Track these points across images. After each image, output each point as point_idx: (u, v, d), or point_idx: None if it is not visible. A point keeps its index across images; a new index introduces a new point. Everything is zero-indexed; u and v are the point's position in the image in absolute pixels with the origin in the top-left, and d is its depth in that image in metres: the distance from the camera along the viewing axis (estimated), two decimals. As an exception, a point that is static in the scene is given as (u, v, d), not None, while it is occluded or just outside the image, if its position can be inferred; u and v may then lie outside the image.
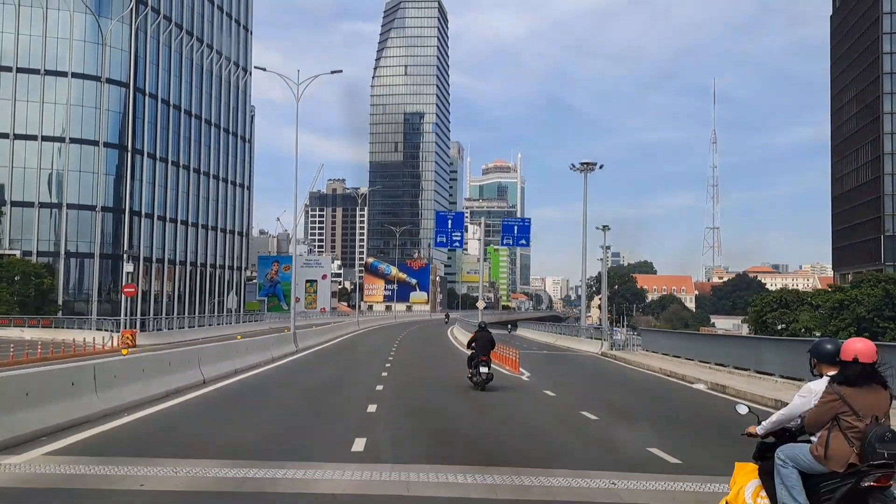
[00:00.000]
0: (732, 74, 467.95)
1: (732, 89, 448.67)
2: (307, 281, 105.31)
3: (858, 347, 4.56)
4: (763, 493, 4.80)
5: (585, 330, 44.94)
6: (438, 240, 49.68)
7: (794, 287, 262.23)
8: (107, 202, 64.21)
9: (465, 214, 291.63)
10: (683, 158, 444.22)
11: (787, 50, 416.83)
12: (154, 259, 69.21)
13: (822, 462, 4.48)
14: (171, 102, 71.81)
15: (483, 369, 16.25)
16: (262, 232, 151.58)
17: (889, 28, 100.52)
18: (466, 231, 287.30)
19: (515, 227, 51.28)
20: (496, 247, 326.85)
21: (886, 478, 4.28)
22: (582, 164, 48.37)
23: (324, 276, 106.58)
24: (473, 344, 17.01)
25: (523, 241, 51.55)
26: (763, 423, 4.97)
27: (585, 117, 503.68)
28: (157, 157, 69.51)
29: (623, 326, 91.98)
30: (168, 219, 71.24)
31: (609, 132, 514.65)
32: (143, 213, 67.28)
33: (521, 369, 22.37)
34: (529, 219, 51.37)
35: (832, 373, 4.66)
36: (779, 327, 55.74)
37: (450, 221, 49.63)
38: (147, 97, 67.78)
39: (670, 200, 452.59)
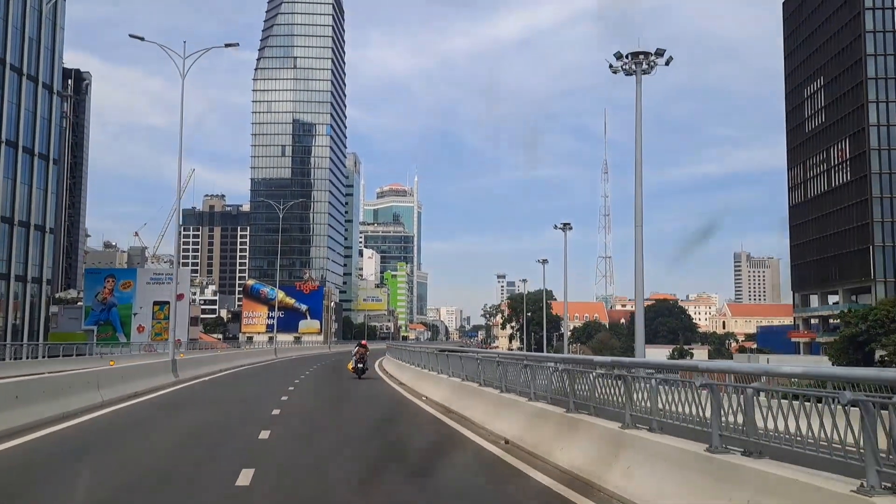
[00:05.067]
0: (609, 117, 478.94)
1: (608, 130, 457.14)
2: (156, 303, 77.25)
3: (364, 342, 30.89)
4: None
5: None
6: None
7: (701, 315, 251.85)
8: None
9: (360, 240, 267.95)
10: (567, 196, 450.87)
11: (657, 95, 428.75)
12: None
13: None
14: None
15: None
16: (108, 245, 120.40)
17: (871, 2, 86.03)
18: (362, 255, 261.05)
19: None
20: (393, 273, 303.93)
21: (363, 347, 29.96)
22: (632, 55, 25.84)
23: (180, 297, 78.57)
24: None
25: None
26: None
27: (475, 153, 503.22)
28: None
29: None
30: None
31: (498, 169, 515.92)
32: None
33: None
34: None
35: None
36: (880, 355, 33.97)
37: None
38: None
39: (555, 235, 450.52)
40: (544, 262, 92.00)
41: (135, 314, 76.82)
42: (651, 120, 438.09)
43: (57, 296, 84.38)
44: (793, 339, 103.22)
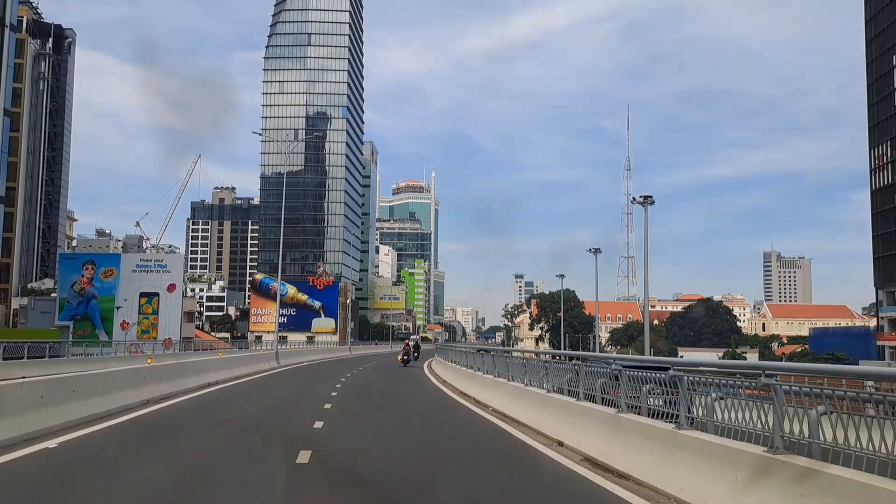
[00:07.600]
0: (622, 119, 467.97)
1: (620, 131, 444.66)
2: (142, 294, 65.10)
3: (407, 340, 42.32)
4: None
5: None
6: None
7: (742, 316, 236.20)
8: None
9: (376, 236, 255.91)
10: (580, 197, 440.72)
11: (669, 97, 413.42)
12: None
13: None
14: None
15: None
16: (101, 233, 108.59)
17: None
18: (378, 252, 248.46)
19: None
20: (411, 270, 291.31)
21: (407, 345, 40.51)
22: None
23: (171, 287, 66.50)
24: None
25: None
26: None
27: (488, 155, 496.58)
28: None
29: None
30: None
31: (512, 170, 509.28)
32: None
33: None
34: None
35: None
36: None
37: None
38: None
39: (571, 237, 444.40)
40: (597, 251, 79.24)
41: (118, 308, 64.69)
42: (663, 122, 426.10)
43: (29, 286, 72.31)
44: (879, 343, 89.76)
